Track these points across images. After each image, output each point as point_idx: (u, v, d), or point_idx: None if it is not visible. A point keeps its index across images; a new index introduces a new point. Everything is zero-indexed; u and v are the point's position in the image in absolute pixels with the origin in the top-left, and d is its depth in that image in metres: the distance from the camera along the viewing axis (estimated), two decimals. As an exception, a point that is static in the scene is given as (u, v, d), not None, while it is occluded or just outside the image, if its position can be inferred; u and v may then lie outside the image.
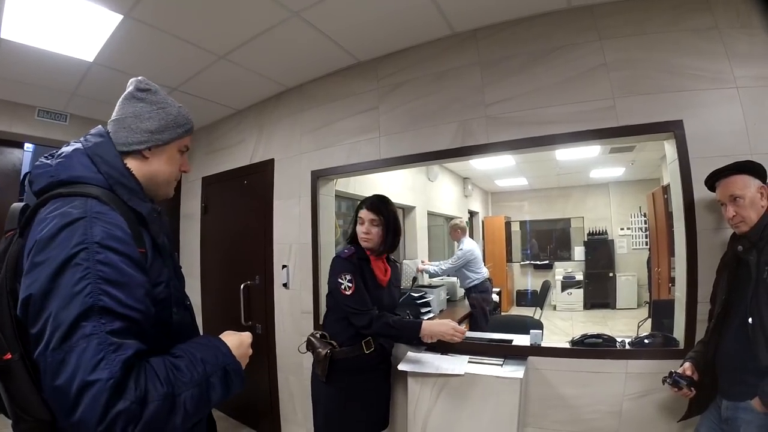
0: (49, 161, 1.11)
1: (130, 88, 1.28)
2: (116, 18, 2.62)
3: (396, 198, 5.81)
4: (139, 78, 1.29)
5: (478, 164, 7.20)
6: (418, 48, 3.16)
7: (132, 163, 1.21)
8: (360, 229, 2.54)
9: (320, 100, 3.67)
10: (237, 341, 1.15)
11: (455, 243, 6.01)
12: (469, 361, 2.73)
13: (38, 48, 2.92)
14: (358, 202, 2.63)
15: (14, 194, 4.16)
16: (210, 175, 4.67)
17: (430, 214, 7.06)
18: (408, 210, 6.42)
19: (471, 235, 9.33)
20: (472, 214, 9.56)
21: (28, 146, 5.94)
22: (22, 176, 0.93)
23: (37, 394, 0.92)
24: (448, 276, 5.89)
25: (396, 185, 5.83)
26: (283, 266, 3.78)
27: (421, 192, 6.69)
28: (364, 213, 2.55)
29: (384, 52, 3.28)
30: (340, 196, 4.50)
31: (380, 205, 2.56)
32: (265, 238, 3.92)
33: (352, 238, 2.62)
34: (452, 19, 2.83)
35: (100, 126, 1.26)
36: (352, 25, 2.88)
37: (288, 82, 3.79)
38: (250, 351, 1.20)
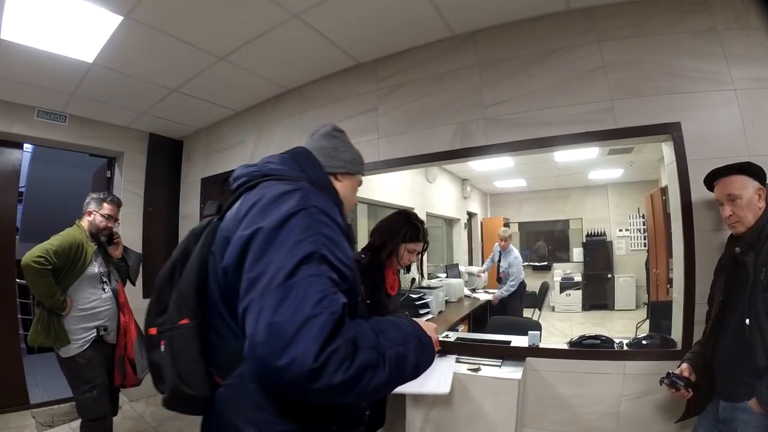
0: (249, 166, 1.23)
1: (326, 128, 1.48)
2: (116, 19, 2.63)
3: (394, 199, 5.82)
4: (333, 124, 1.52)
5: (477, 165, 7.20)
6: (417, 49, 3.17)
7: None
8: (408, 257, 2.40)
9: (319, 102, 3.68)
10: (425, 324, 1.14)
11: (498, 252, 6.25)
12: (457, 360, 2.74)
13: (38, 49, 2.93)
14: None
15: (13, 194, 4.16)
16: (209, 176, 4.67)
17: (429, 216, 7.06)
18: (407, 211, 6.41)
19: (469, 237, 9.39)
20: (470, 215, 9.56)
21: (28, 147, 5.96)
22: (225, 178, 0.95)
23: (202, 367, 1.01)
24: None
25: (395, 186, 5.83)
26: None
27: (420, 193, 6.69)
28: (417, 247, 2.41)
29: (383, 54, 3.29)
30: (338, 197, 4.48)
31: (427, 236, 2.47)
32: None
33: (373, 248, 2.43)
34: (451, 20, 2.84)
35: (319, 147, 1.41)
36: (352, 27, 2.89)
37: (287, 84, 3.80)
38: (437, 336, 1.17)
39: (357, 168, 1.46)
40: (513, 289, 5.86)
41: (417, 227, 2.39)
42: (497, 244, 6.34)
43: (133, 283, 3.18)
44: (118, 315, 2.98)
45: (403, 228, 2.36)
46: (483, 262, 9.19)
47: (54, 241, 2.68)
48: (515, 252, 6.06)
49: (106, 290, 2.92)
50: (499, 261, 6.18)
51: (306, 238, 0.90)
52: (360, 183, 1.52)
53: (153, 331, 1.07)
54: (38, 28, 2.74)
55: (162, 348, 1.03)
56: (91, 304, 2.82)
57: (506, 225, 9.81)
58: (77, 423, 3.61)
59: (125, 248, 3.13)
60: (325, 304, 0.82)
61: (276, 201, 0.97)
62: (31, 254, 2.58)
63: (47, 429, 3.60)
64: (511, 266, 5.94)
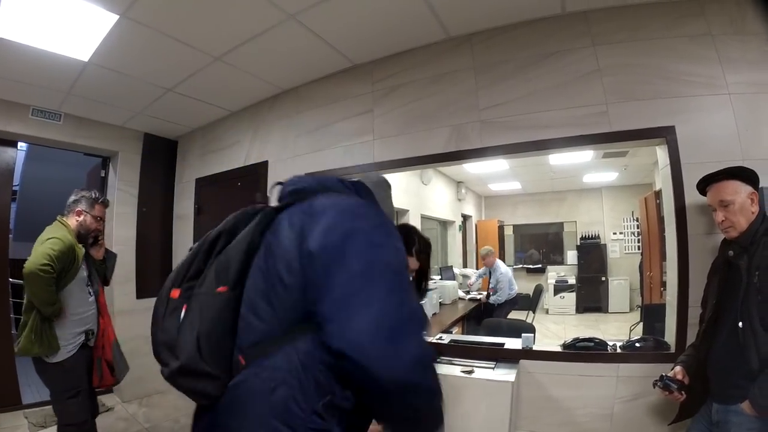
0: (314, 178, 1.21)
1: (381, 178, 1.44)
2: (112, 18, 2.61)
3: (390, 201, 5.81)
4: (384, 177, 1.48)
5: (472, 168, 7.20)
6: (414, 52, 3.17)
7: None
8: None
9: (315, 103, 3.67)
10: None
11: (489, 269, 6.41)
12: (451, 363, 2.74)
13: (33, 47, 2.91)
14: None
15: (7, 193, 4.14)
16: (204, 176, 4.66)
17: (424, 218, 7.06)
18: (401, 213, 6.43)
19: (464, 239, 9.39)
20: (465, 217, 9.57)
21: (22, 145, 5.92)
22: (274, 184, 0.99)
23: (230, 342, 0.98)
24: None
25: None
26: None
27: (415, 195, 6.70)
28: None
29: (379, 56, 3.29)
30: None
31: None
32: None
33: None
34: (448, 23, 2.84)
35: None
36: (348, 29, 2.89)
37: (283, 85, 3.80)
38: None
39: (388, 210, 1.43)
40: (501, 300, 5.97)
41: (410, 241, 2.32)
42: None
43: (108, 283, 3.10)
44: (98, 317, 2.86)
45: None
46: (477, 265, 9.22)
47: (54, 246, 2.53)
48: (501, 268, 6.17)
49: (90, 293, 2.82)
50: (490, 276, 6.32)
51: (385, 244, 0.99)
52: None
53: (175, 293, 1.03)
54: (33, 26, 2.72)
55: (182, 313, 1.00)
56: (82, 308, 2.73)
57: (501, 225, 9.84)
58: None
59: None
60: (420, 312, 0.96)
61: (364, 210, 1.05)
62: (36, 261, 2.42)
63: (40, 429, 3.57)
64: (499, 282, 6.06)
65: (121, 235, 4.62)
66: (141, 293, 4.69)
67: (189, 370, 0.95)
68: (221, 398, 0.97)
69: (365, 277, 0.92)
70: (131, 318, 4.55)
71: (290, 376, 0.93)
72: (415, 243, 1.88)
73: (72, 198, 2.83)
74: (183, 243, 4.84)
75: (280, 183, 1.20)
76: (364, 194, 1.18)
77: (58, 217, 2.79)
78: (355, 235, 0.96)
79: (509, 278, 6.03)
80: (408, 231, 2.01)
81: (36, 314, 2.51)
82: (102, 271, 3.00)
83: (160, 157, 5.02)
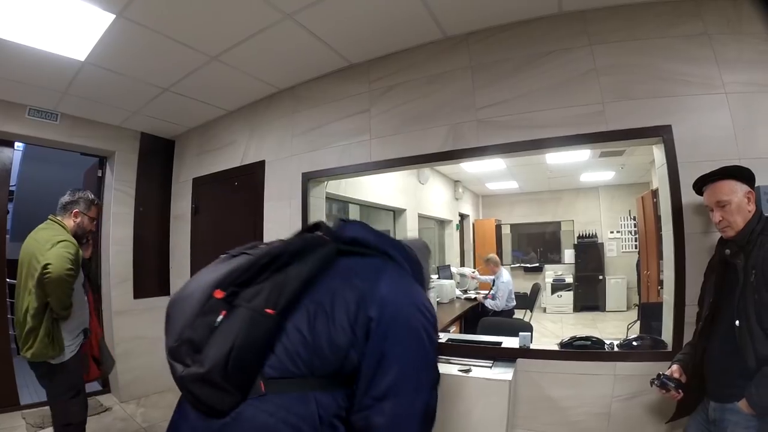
0: (375, 233, 1.23)
1: (426, 248, 1.46)
2: (108, 18, 2.60)
3: (387, 200, 5.83)
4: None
5: (469, 167, 7.21)
6: (410, 51, 3.17)
7: None
8: None
9: (312, 102, 3.67)
10: None
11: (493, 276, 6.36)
12: (448, 362, 2.74)
13: (30, 46, 2.90)
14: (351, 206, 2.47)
15: (4, 193, 4.12)
16: (201, 176, 4.65)
17: (421, 217, 7.07)
18: (398, 213, 6.43)
19: (461, 238, 9.40)
20: (462, 216, 9.58)
21: (19, 145, 5.89)
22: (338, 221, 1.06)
23: (259, 366, 0.97)
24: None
25: (387, 188, 5.84)
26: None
27: (412, 195, 6.70)
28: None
29: (376, 55, 3.29)
30: (331, 199, 4.50)
31: None
32: (255, 239, 3.87)
33: None
34: (444, 23, 2.84)
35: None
36: (345, 28, 2.88)
37: (280, 84, 3.79)
38: None
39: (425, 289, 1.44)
40: (497, 309, 5.92)
41: None
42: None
43: (96, 283, 3.09)
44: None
45: None
46: (474, 264, 9.23)
47: (70, 249, 2.55)
48: (504, 277, 6.10)
49: (85, 292, 2.82)
50: (493, 283, 6.29)
51: (436, 361, 1.09)
52: None
53: (219, 294, 1.00)
54: (30, 26, 2.71)
55: (219, 318, 0.97)
56: (82, 308, 2.74)
57: (498, 224, 9.82)
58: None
59: None
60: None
61: (423, 301, 1.09)
62: (62, 266, 2.44)
63: (38, 430, 3.56)
64: (499, 290, 6.02)
65: (118, 235, 4.61)
66: (138, 293, 4.68)
67: (209, 381, 0.93)
68: (225, 415, 0.95)
69: (416, 371, 1.01)
70: (129, 318, 4.55)
71: (305, 425, 0.94)
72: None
73: (68, 198, 2.83)
74: (180, 243, 4.83)
75: (343, 221, 1.24)
76: (416, 271, 1.22)
77: (51, 217, 2.80)
78: (413, 330, 1.02)
79: (509, 290, 6.00)
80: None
81: (48, 318, 2.50)
82: (88, 268, 2.99)
83: (157, 156, 5.01)
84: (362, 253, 1.14)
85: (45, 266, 2.42)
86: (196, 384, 0.94)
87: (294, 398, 0.95)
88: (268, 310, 0.96)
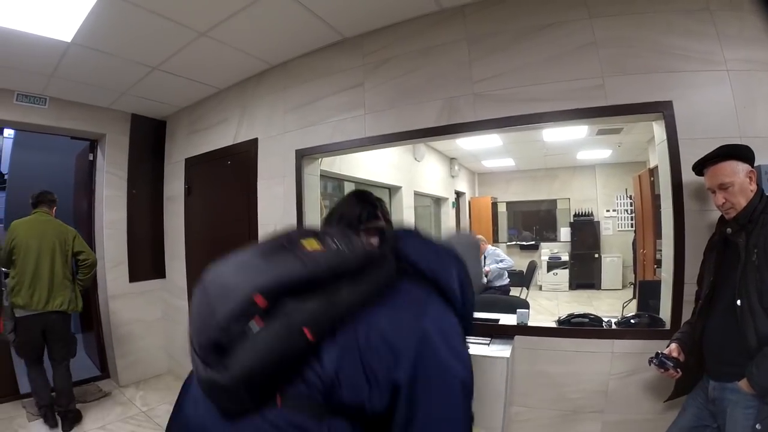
0: (432, 252, 1.11)
1: (477, 241, 1.36)
2: (94, -5, 2.52)
3: (382, 177, 5.79)
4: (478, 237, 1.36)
5: (465, 144, 7.17)
6: (405, 24, 3.08)
7: None
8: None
9: (304, 78, 3.59)
10: None
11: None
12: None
13: (13, 29, 2.81)
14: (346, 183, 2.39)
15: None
16: (193, 156, 4.58)
17: (417, 194, 7.04)
18: (394, 190, 6.39)
19: (457, 216, 9.39)
20: (458, 194, 9.56)
21: (9, 132, 5.79)
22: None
23: (278, 382, 0.89)
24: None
25: (382, 164, 5.79)
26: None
27: (408, 172, 6.66)
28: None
29: (370, 28, 3.20)
30: (325, 176, 4.45)
31: None
32: (249, 219, 3.87)
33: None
34: (440, -6, 2.76)
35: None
36: (338, 1, 2.80)
37: (271, 60, 3.70)
38: None
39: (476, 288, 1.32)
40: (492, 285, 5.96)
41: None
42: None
43: None
44: None
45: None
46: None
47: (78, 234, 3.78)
48: (495, 257, 6.12)
49: None
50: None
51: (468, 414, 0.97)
52: None
53: (261, 302, 0.87)
54: (13, 8, 2.62)
55: (254, 326, 0.86)
56: None
57: (494, 202, 9.80)
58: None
59: None
60: None
61: (457, 349, 0.98)
62: (92, 252, 3.87)
63: (38, 419, 3.55)
64: (504, 262, 6.04)
65: (111, 218, 4.57)
66: (134, 277, 4.66)
67: (229, 390, 0.87)
68: (233, 418, 0.90)
69: (452, 421, 0.93)
70: (125, 302, 4.54)
71: None
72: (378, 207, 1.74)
73: (49, 197, 3.75)
74: (174, 224, 4.80)
75: (400, 232, 1.14)
76: (466, 294, 1.11)
77: (46, 210, 3.70)
78: (448, 389, 0.92)
79: (498, 271, 6.04)
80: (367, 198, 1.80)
81: (78, 284, 3.72)
82: None
83: (148, 137, 4.93)
84: (418, 279, 1.04)
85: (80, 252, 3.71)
86: (214, 388, 0.90)
87: (306, 419, 0.89)
88: (307, 332, 0.87)
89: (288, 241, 0.98)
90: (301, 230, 1.05)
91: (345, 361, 0.90)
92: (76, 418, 3.54)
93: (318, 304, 0.89)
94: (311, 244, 0.96)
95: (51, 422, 3.43)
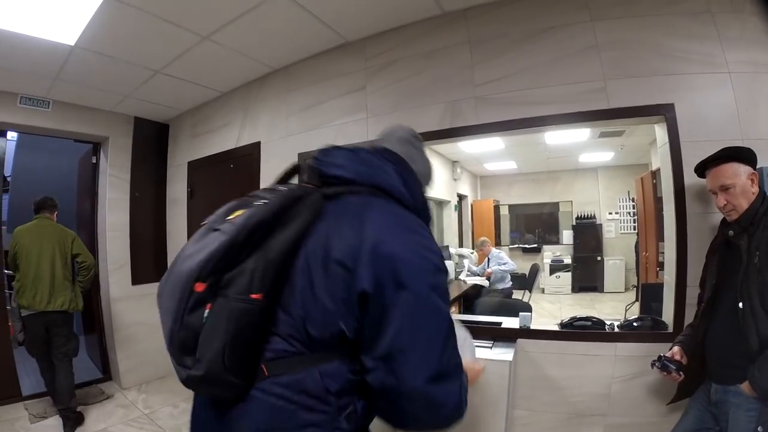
0: (359, 161, 1.09)
1: (406, 133, 1.31)
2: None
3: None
4: (411, 128, 1.35)
5: (468, 147, 7.14)
6: (407, 27, 3.10)
7: None
8: None
9: (307, 81, 3.60)
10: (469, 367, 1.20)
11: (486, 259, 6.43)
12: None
13: (18, 33, 2.84)
14: None
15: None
16: (196, 159, 4.60)
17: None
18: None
19: (459, 219, 9.38)
20: (461, 197, 9.54)
21: (12, 135, 5.81)
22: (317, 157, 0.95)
23: (258, 355, 0.91)
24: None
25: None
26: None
27: (410, 175, 6.64)
28: None
29: (372, 32, 3.21)
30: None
31: None
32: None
33: None
34: (442, -2, 2.77)
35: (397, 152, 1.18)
36: (340, 4, 2.81)
37: (274, 63, 3.72)
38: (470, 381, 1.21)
39: (428, 182, 1.32)
40: (496, 287, 6.00)
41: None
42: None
43: None
44: None
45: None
46: (473, 245, 9.23)
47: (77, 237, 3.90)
48: (494, 259, 6.22)
49: None
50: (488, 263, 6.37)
51: (447, 300, 0.98)
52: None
53: (200, 287, 0.88)
54: (18, 12, 2.64)
55: (206, 313, 0.88)
56: None
57: (497, 204, 9.80)
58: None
59: None
60: (460, 361, 1.00)
61: (423, 245, 0.97)
62: (90, 255, 3.94)
63: (40, 420, 3.57)
64: (506, 264, 6.14)
65: (114, 221, 4.58)
66: (136, 279, 4.67)
67: (210, 381, 0.88)
68: (235, 405, 0.92)
69: (422, 324, 0.92)
70: (127, 304, 4.55)
71: (315, 400, 0.90)
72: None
73: (50, 202, 3.86)
74: (177, 227, 4.80)
75: (324, 151, 1.11)
76: (409, 182, 1.10)
77: (48, 216, 3.82)
78: (414, 283, 0.91)
79: (500, 273, 6.10)
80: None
81: (77, 285, 3.82)
82: None
83: (151, 141, 4.95)
84: (352, 191, 1.02)
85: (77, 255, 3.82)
86: (199, 385, 0.92)
87: (298, 376, 0.90)
88: (254, 296, 0.87)
89: (216, 221, 0.99)
90: (231, 205, 1.05)
91: (307, 299, 0.91)
92: (78, 419, 3.55)
93: (254, 264, 0.89)
94: (236, 214, 0.97)
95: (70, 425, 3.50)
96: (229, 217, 0.98)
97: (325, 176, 1.06)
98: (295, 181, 1.04)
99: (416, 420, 0.94)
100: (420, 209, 1.10)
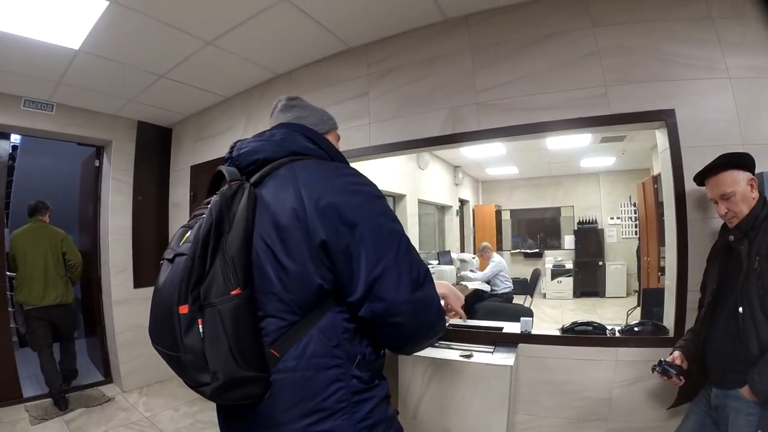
0: (270, 141, 1.17)
1: (284, 102, 1.45)
2: (102, 4, 2.56)
3: (386, 186, 5.80)
4: (282, 96, 1.49)
5: (469, 152, 7.18)
6: (409, 33, 3.12)
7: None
8: None
9: (309, 87, 3.62)
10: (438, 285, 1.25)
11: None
12: (450, 347, 2.76)
13: (22, 36, 2.85)
14: None
15: (1, 184, 4.11)
16: (198, 163, 4.61)
17: (421, 202, 7.05)
18: (398, 198, 6.41)
19: (461, 224, 9.39)
20: (462, 202, 9.56)
21: (15, 137, 5.83)
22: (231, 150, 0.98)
23: (260, 340, 0.98)
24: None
25: (386, 173, 5.80)
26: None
27: (412, 180, 6.67)
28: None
29: (374, 38, 3.23)
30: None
31: None
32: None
33: None
34: (444, 4, 2.79)
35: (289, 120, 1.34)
36: (343, 11, 2.83)
37: (277, 69, 3.74)
38: (455, 302, 1.39)
39: (333, 121, 1.47)
40: (481, 277, 6.16)
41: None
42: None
43: None
44: None
45: None
46: (474, 250, 9.24)
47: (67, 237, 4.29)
48: (496, 257, 6.34)
49: None
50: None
51: (395, 218, 1.09)
52: (338, 138, 1.55)
53: (184, 309, 0.94)
54: (23, 16, 2.66)
55: (201, 327, 0.94)
56: None
57: (498, 209, 9.80)
58: (70, 416, 3.69)
59: None
60: (427, 268, 1.09)
61: (354, 182, 1.07)
62: (77, 253, 4.34)
63: (41, 422, 3.58)
64: (489, 266, 6.26)
65: (117, 224, 4.59)
66: (139, 282, 4.67)
67: (233, 383, 0.94)
68: (263, 398, 0.98)
69: (385, 246, 1.01)
70: (129, 308, 4.55)
71: (327, 357, 0.99)
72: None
73: (42, 206, 4.23)
74: (179, 231, 4.79)
75: (231, 157, 1.17)
76: (317, 139, 1.21)
77: (40, 218, 4.19)
78: (360, 215, 1.01)
79: (498, 270, 6.20)
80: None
81: (69, 279, 4.24)
82: None
83: (154, 145, 4.98)
84: (274, 167, 1.10)
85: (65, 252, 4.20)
86: (225, 393, 0.96)
87: (301, 343, 0.98)
88: (234, 291, 0.95)
89: (174, 249, 1.08)
90: (180, 231, 1.15)
91: (279, 272, 0.99)
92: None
93: (220, 266, 0.96)
94: (186, 236, 1.06)
95: (62, 407, 3.86)
96: (181, 242, 1.06)
97: (246, 166, 1.13)
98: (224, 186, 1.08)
99: (416, 330, 1.06)
100: (334, 156, 1.21)
